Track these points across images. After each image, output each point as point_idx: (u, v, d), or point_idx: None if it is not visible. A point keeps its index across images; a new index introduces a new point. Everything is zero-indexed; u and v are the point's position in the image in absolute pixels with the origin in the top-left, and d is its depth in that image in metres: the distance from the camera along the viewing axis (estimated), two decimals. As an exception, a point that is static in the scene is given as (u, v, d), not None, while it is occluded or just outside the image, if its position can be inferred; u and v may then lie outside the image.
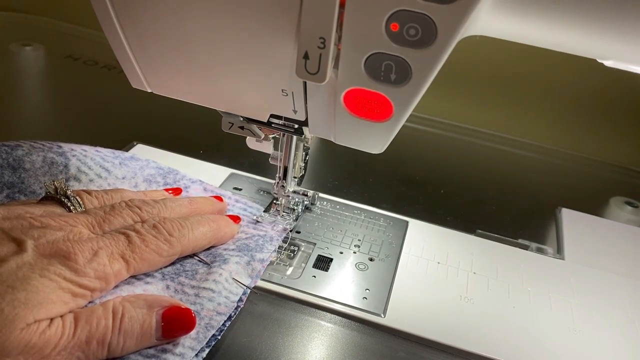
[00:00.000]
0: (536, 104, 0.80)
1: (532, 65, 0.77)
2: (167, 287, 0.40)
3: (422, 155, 0.73)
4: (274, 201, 0.52)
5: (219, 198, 0.49)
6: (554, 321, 0.45)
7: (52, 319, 0.32)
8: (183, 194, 0.51)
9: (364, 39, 0.31)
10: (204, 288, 0.40)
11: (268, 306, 0.43)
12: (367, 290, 0.45)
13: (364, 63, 0.32)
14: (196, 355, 0.36)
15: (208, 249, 0.44)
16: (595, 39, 0.32)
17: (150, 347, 0.36)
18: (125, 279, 0.39)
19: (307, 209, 0.54)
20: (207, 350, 0.37)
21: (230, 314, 0.40)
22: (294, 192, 0.51)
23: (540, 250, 0.53)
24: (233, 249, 0.45)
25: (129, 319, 0.35)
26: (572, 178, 0.73)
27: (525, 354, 0.41)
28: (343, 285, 0.45)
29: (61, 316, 0.33)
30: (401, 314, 0.43)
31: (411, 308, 0.44)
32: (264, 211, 0.51)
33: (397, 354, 0.41)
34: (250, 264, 0.44)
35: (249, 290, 0.42)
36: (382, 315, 0.43)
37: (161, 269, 0.41)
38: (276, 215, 0.51)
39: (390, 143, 0.39)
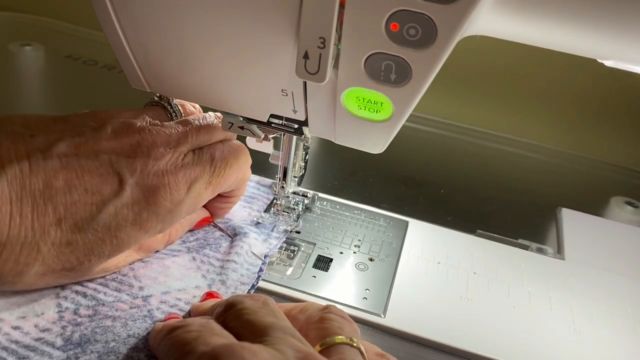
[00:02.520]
0: (536, 104, 0.80)
1: (532, 65, 0.77)
2: (194, 258, 0.45)
3: (422, 155, 0.73)
4: (274, 201, 0.52)
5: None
6: (554, 321, 0.45)
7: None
8: None
9: (364, 39, 0.31)
10: (227, 260, 0.45)
11: (268, 306, 0.43)
12: (367, 291, 0.45)
13: (364, 63, 0.32)
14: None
15: (227, 222, 0.49)
16: (595, 39, 0.31)
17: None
18: (155, 254, 0.44)
19: (307, 208, 0.54)
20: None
21: (253, 283, 0.43)
22: (294, 193, 0.51)
23: (540, 250, 0.53)
24: (251, 225, 0.49)
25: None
26: (572, 178, 0.73)
27: (525, 354, 0.41)
28: (343, 285, 0.45)
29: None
30: (401, 314, 0.43)
31: (411, 308, 0.44)
32: (264, 211, 0.51)
33: (397, 354, 0.41)
34: (267, 241, 0.48)
35: (266, 263, 0.46)
36: (382, 315, 0.43)
37: (185, 242, 0.46)
38: (277, 215, 0.51)
39: (390, 143, 0.39)
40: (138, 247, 0.42)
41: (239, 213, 0.51)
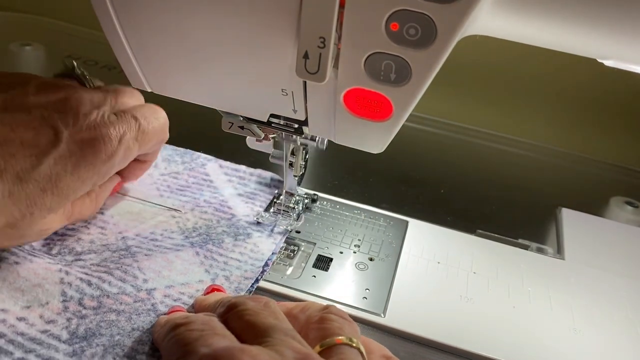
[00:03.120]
0: (536, 104, 0.80)
1: (532, 65, 0.77)
2: (197, 253, 0.45)
3: (422, 155, 0.73)
4: (274, 200, 0.52)
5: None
6: (554, 321, 0.45)
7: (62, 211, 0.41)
8: (200, 170, 0.56)
9: (364, 39, 0.31)
10: (231, 258, 0.45)
11: (268, 306, 0.43)
12: (367, 290, 0.45)
13: (363, 63, 0.32)
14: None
15: (230, 219, 0.50)
16: (595, 39, 0.31)
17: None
18: (158, 248, 0.45)
19: (307, 208, 0.54)
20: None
21: (257, 277, 0.44)
22: (292, 194, 0.51)
23: (540, 250, 0.53)
24: (253, 224, 0.50)
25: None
26: (572, 178, 0.73)
27: (525, 354, 0.41)
28: (343, 285, 0.45)
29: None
30: (401, 314, 0.43)
31: (411, 308, 0.44)
32: (264, 211, 0.51)
33: (397, 354, 0.40)
34: (271, 236, 0.48)
35: (274, 256, 0.46)
36: (382, 315, 0.43)
37: (188, 237, 0.47)
38: (277, 214, 0.51)
39: (390, 143, 0.39)
40: (70, 214, 0.42)
41: (241, 209, 0.51)
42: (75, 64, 0.45)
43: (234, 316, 0.34)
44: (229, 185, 0.54)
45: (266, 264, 0.45)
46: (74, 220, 0.44)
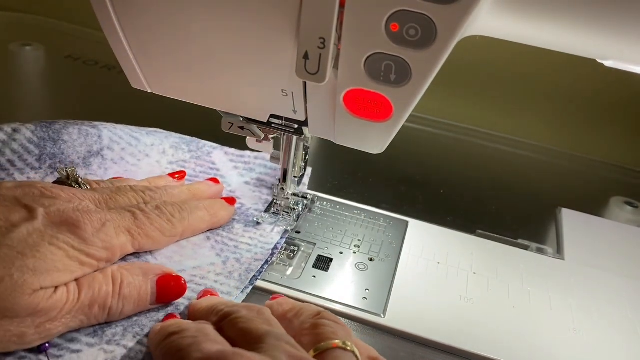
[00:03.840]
0: (536, 104, 0.80)
1: (532, 65, 0.76)
2: (208, 238, 0.46)
3: (422, 155, 0.73)
4: (275, 201, 0.52)
5: (215, 180, 0.52)
6: (554, 321, 0.45)
7: (58, 288, 0.34)
8: (206, 159, 0.56)
9: (364, 39, 0.31)
10: (241, 242, 0.47)
11: (268, 306, 0.43)
12: (367, 290, 0.45)
13: (364, 63, 0.32)
14: (241, 292, 0.42)
15: (239, 208, 0.51)
16: (595, 39, 0.32)
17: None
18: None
19: (306, 207, 0.54)
20: (250, 288, 0.43)
21: (267, 259, 0.45)
22: (294, 194, 0.51)
23: (540, 251, 0.53)
24: (262, 212, 0.51)
25: (127, 285, 0.37)
26: (572, 178, 0.73)
27: (525, 354, 0.41)
28: (343, 285, 0.45)
29: (67, 284, 0.35)
30: (401, 314, 0.43)
31: (411, 308, 0.44)
32: (264, 211, 0.51)
33: (397, 354, 0.41)
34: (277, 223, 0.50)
35: (283, 241, 0.48)
36: (382, 315, 0.43)
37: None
38: (277, 215, 0.51)
39: (390, 143, 0.39)
40: (76, 291, 0.36)
41: (249, 198, 0.52)
42: (67, 172, 0.43)
43: (227, 324, 0.34)
44: (235, 173, 0.55)
45: (275, 247, 0.47)
46: (89, 300, 0.36)
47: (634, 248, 0.55)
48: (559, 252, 0.54)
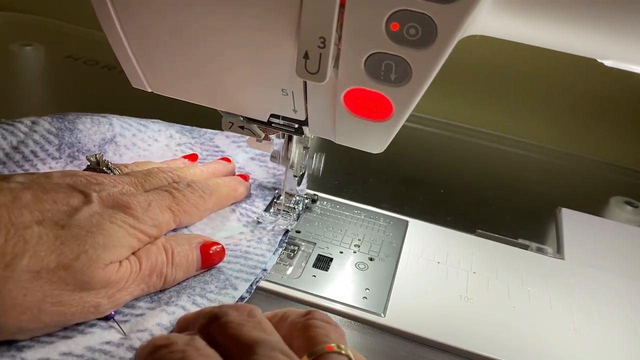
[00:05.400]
0: (536, 104, 0.80)
1: (532, 65, 0.77)
2: (233, 210, 0.50)
3: (422, 155, 0.73)
4: (275, 200, 0.52)
5: (227, 159, 0.55)
6: (554, 321, 0.45)
7: (121, 261, 0.38)
8: (210, 143, 0.59)
9: (364, 39, 0.31)
10: (262, 214, 0.51)
11: (268, 306, 0.43)
12: (367, 290, 0.45)
13: (364, 63, 0.32)
14: (273, 254, 0.46)
15: (252, 182, 0.54)
16: (595, 39, 0.32)
17: (236, 250, 0.46)
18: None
19: (307, 208, 0.54)
20: (280, 250, 0.47)
21: (287, 229, 0.49)
22: (292, 194, 0.51)
23: (540, 250, 0.53)
24: (275, 185, 0.55)
25: (177, 253, 0.41)
26: (572, 178, 0.73)
27: (525, 354, 0.41)
28: (343, 285, 0.45)
29: (127, 257, 0.38)
30: (401, 314, 0.43)
31: (411, 308, 0.44)
32: (264, 211, 0.51)
33: (397, 354, 0.41)
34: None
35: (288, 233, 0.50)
36: (382, 315, 0.43)
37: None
38: (277, 215, 0.51)
39: (390, 143, 0.39)
40: (137, 265, 0.39)
41: (259, 173, 0.55)
42: (97, 158, 0.46)
43: (216, 329, 0.33)
44: (240, 151, 0.58)
45: (285, 235, 0.49)
46: (149, 270, 0.39)
47: (634, 248, 0.55)
48: (559, 252, 0.54)
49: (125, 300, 0.38)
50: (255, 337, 0.32)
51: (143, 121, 0.57)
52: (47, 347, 0.35)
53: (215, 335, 0.33)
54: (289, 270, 0.46)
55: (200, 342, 0.32)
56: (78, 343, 0.36)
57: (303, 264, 0.47)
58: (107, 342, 0.36)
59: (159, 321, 0.38)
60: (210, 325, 0.34)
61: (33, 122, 0.50)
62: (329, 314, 0.43)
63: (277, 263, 0.47)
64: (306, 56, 0.31)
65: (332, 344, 0.33)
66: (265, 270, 0.45)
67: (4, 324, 0.33)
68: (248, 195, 0.52)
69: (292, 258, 0.48)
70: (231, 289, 0.42)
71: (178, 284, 0.42)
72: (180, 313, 0.39)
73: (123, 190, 0.41)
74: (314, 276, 0.46)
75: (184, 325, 0.38)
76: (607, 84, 0.75)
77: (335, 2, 0.29)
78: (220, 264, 0.44)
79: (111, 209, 0.39)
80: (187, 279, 0.42)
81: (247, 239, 0.47)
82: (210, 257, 0.43)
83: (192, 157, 0.55)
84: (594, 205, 0.64)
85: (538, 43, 0.34)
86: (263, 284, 0.44)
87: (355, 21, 0.30)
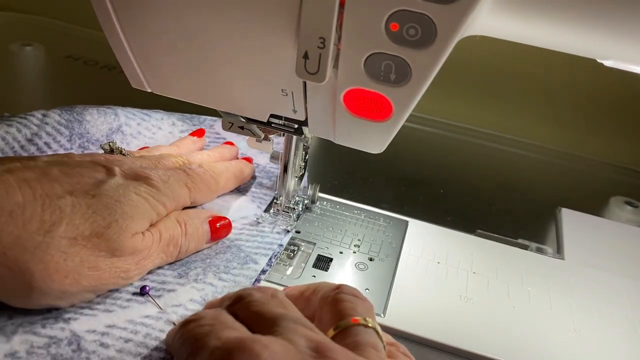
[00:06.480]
0: (536, 104, 0.80)
1: (532, 65, 0.77)
2: (246, 194, 0.53)
3: (422, 155, 0.73)
4: (274, 200, 0.52)
5: (230, 143, 0.57)
6: (554, 321, 0.45)
7: (144, 233, 0.40)
8: (210, 130, 0.61)
9: (363, 39, 0.31)
10: (272, 195, 0.53)
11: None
12: (367, 290, 0.45)
13: (363, 63, 0.32)
14: (288, 230, 0.49)
15: (257, 167, 0.56)
16: (595, 39, 0.32)
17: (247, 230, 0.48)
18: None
19: (307, 208, 0.54)
20: (293, 230, 0.50)
21: (299, 213, 0.52)
22: (294, 191, 0.51)
23: (540, 250, 0.53)
24: (276, 169, 0.55)
25: (190, 225, 0.44)
26: (572, 178, 0.73)
27: (525, 354, 0.41)
28: (343, 285, 0.45)
29: (148, 229, 0.41)
30: (401, 314, 0.43)
31: (411, 308, 0.44)
32: (264, 211, 0.51)
33: (397, 354, 0.41)
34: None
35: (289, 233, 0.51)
36: (382, 315, 0.43)
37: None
38: (276, 215, 0.51)
39: (390, 143, 0.39)
40: (161, 241, 0.42)
41: (261, 159, 0.57)
42: (110, 146, 0.48)
43: (241, 308, 0.34)
44: (240, 138, 0.58)
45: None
46: (167, 240, 0.42)
47: (634, 248, 0.55)
48: (559, 252, 0.54)
49: (149, 267, 0.41)
50: (278, 312, 0.33)
51: (145, 111, 0.59)
52: (91, 319, 0.38)
53: (240, 313, 0.34)
54: (289, 271, 0.46)
55: (227, 316, 0.33)
56: (120, 316, 0.38)
57: (303, 264, 0.47)
58: (147, 316, 0.39)
59: (191, 297, 0.41)
60: (236, 305, 0.34)
61: (44, 115, 0.52)
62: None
63: (277, 263, 0.47)
64: (306, 56, 0.31)
65: (358, 317, 0.33)
66: (281, 245, 0.47)
67: (50, 288, 0.35)
68: (253, 177, 0.55)
69: (292, 258, 0.48)
70: (252, 263, 0.45)
71: (202, 260, 0.44)
72: (208, 289, 0.41)
73: (143, 165, 0.44)
74: (314, 276, 0.46)
75: (209, 306, 0.39)
76: (607, 84, 0.75)
77: (335, 2, 0.29)
78: (240, 243, 0.47)
79: (134, 181, 0.41)
80: (210, 254, 0.45)
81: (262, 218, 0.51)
82: (218, 230, 0.46)
83: (199, 133, 0.57)
84: (594, 205, 0.64)
85: (538, 43, 0.34)
86: (262, 284, 0.44)
87: (355, 21, 0.30)
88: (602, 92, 0.76)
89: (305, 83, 0.36)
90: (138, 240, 0.40)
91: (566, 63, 0.74)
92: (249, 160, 0.55)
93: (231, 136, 0.58)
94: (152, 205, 0.41)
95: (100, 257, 0.37)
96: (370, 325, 0.33)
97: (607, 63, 0.35)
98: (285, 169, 0.49)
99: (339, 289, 0.36)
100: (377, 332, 0.33)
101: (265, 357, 0.28)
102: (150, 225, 0.41)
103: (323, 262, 0.47)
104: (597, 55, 0.34)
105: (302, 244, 0.49)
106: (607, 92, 0.76)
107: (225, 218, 0.47)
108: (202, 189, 0.47)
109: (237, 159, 0.56)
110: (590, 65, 0.41)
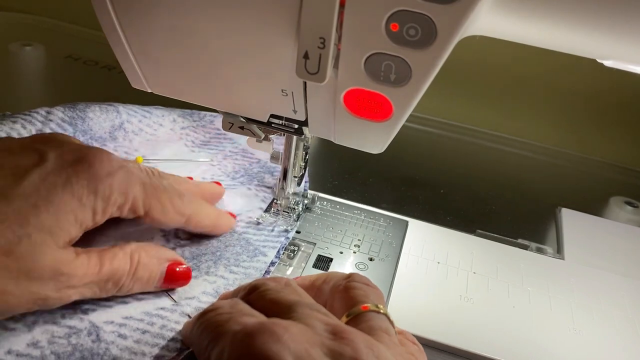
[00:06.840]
0: (536, 104, 0.80)
1: (532, 65, 0.77)
2: (249, 188, 0.54)
3: (422, 155, 0.73)
4: (275, 201, 0.52)
5: (218, 184, 0.52)
6: (554, 321, 0.45)
7: (78, 254, 0.35)
8: (211, 126, 0.60)
9: (364, 39, 0.31)
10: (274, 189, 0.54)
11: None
12: (367, 290, 0.45)
13: (363, 63, 0.32)
14: (295, 220, 0.50)
15: (258, 162, 0.57)
16: (595, 39, 0.31)
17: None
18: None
19: (307, 208, 0.54)
20: (293, 230, 0.49)
21: (287, 228, 0.49)
22: (294, 193, 0.51)
23: (540, 250, 0.53)
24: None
25: (142, 266, 0.38)
26: (572, 178, 0.73)
27: (525, 354, 0.41)
28: (343, 285, 0.45)
29: (87, 253, 0.35)
30: (401, 314, 0.43)
31: (411, 308, 0.44)
32: (264, 211, 0.51)
33: (397, 354, 0.41)
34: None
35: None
36: (382, 315, 0.43)
37: (235, 179, 0.54)
38: (277, 215, 0.51)
39: (390, 143, 0.39)
40: (98, 265, 0.36)
41: (261, 153, 0.57)
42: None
43: (256, 297, 0.34)
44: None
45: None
46: (107, 275, 0.36)
47: (634, 248, 0.55)
48: (559, 251, 0.54)
49: (73, 299, 0.35)
50: (293, 299, 0.33)
51: (146, 108, 0.59)
52: (108, 310, 0.38)
53: (255, 302, 0.34)
54: (289, 271, 0.46)
55: (244, 305, 0.33)
56: (136, 308, 0.39)
57: (303, 264, 0.47)
58: (162, 308, 0.39)
59: (204, 289, 0.41)
60: (251, 295, 0.35)
61: (48, 112, 0.52)
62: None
63: (277, 263, 0.47)
64: (306, 56, 0.31)
65: (369, 304, 0.33)
66: (288, 238, 0.48)
67: None
68: (256, 174, 0.55)
69: (292, 258, 0.48)
70: (261, 256, 0.45)
71: (212, 252, 0.44)
72: (220, 282, 0.42)
73: (96, 150, 0.38)
74: (314, 276, 0.46)
75: (224, 298, 0.39)
76: (607, 84, 0.75)
77: (335, 2, 0.29)
78: (247, 236, 0.47)
79: (70, 167, 0.35)
80: (220, 246, 0.45)
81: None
82: (175, 275, 0.40)
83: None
84: (594, 205, 0.64)
85: (538, 43, 0.34)
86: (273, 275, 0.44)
87: (355, 21, 0.30)
88: (602, 92, 0.76)
89: (305, 83, 0.36)
90: (64, 261, 0.33)
91: (566, 63, 0.74)
92: (233, 215, 0.49)
93: (231, 133, 0.59)
94: (85, 203, 0.35)
95: (11, 280, 0.31)
96: (382, 311, 0.33)
97: (607, 63, 0.35)
98: (285, 169, 0.49)
99: (350, 277, 0.36)
100: (388, 318, 0.33)
101: (286, 339, 0.28)
102: (96, 252, 0.36)
103: (323, 262, 0.47)
104: (597, 55, 0.34)
105: (302, 244, 0.49)
106: (607, 92, 0.76)
107: (188, 269, 0.41)
108: (162, 201, 0.40)
109: (220, 197, 0.51)
110: (591, 66, 0.41)
